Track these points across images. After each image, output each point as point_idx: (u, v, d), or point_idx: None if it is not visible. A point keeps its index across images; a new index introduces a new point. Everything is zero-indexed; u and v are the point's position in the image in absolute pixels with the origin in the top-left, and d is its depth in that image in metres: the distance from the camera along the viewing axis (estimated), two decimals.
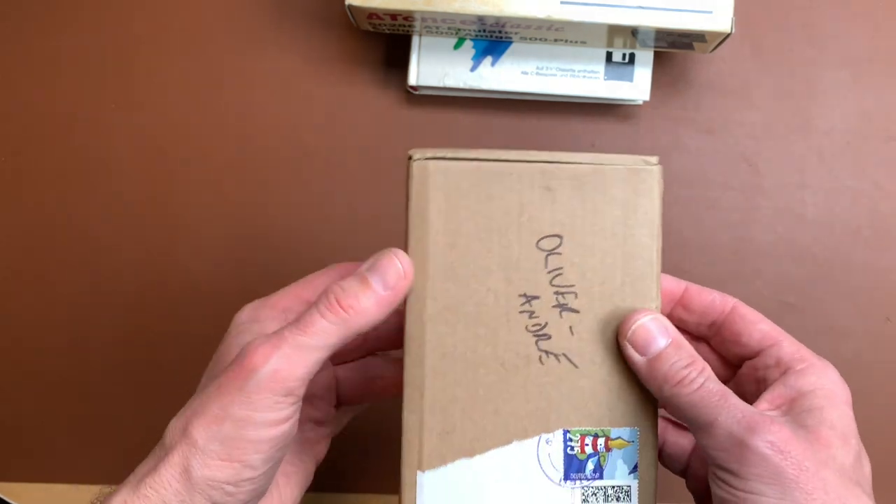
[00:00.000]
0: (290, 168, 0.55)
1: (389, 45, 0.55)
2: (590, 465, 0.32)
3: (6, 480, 0.53)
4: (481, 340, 0.32)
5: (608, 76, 0.52)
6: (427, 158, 0.32)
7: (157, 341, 0.54)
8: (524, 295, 0.32)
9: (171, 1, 0.56)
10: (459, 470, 0.32)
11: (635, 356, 0.31)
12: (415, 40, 0.52)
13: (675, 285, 0.36)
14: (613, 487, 0.32)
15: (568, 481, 0.32)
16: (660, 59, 0.54)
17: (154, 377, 0.54)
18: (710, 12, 0.47)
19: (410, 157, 0.32)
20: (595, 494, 0.32)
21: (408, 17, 0.48)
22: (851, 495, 0.30)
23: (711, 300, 0.35)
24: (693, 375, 0.30)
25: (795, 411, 0.32)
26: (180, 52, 0.55)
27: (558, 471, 0.32)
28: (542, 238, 0.32)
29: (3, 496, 0.53)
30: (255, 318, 0.35)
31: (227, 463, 0.29)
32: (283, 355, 0.29)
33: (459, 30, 0.50)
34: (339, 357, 0.38)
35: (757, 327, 0.35)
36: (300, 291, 0.36)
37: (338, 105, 0.55)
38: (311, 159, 0.55)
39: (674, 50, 0.52)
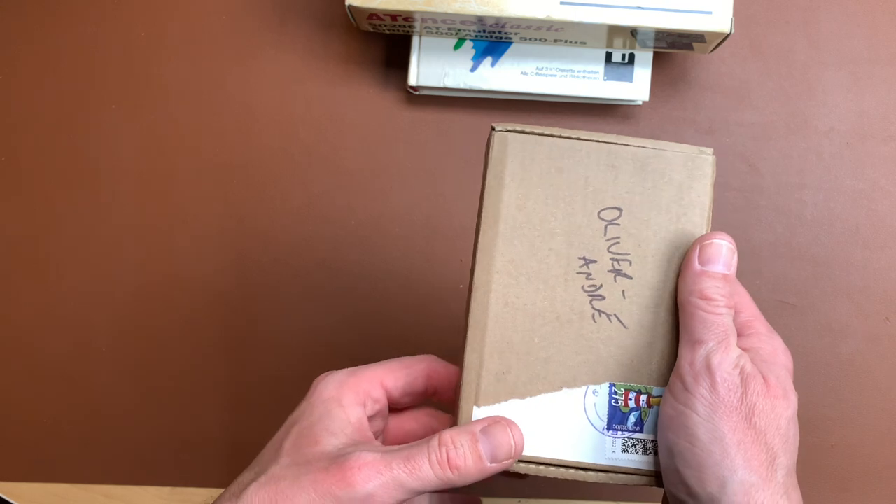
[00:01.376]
0: (291, 168, 0.55)
1: (389, 45, 0.55)
2: (631, 419, 0.34)
3: (6, 480, 0.53)
4: (540, 294, 0.35)
5: (608, 76, 0.52)
6: (507, 130, 0.35)
7: (158, 341, 0.54)
8: (583, 258, 0.35)
9: (171, 2, 0.56)
10: (511, 409, 0.34)
11: (695, 263, 0.34)
12: (415, 41, 0.52)
13: None
14: (652, 441, 0.34)
15: (610, 431, 0.34)
16: (659, 60, 0.54)
17: (154, 377, 0.54)
18: (710, 13, 0.47)
19: (493, 128, 0.36)
20: (634, 445, 0.34)
21: (408, 17, 0.48)
22: (759, 451, 0.32)
23: None
24: (721, 302, 0.33)
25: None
26: (181, 53, 0.55)
27: (602, 420, 0.34)
28: (604, 209, 0.35)
29: (3, 496, 0.53)
30: (339, 399, 0.36)
31: None
32: (382, 484, 0.31)
33: (459, 30, 0.50)
34: (396, 406, 0.39)
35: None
36: (383, 377, 0.37)
37: (338, 105, 0.55)
38: (311, 159, 0.55)
39: (673, 50, 0.52)
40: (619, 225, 0.35)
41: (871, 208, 0.54)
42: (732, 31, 0.47)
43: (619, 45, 0.51)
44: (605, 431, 0.34)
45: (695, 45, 0.50)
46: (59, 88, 0.55)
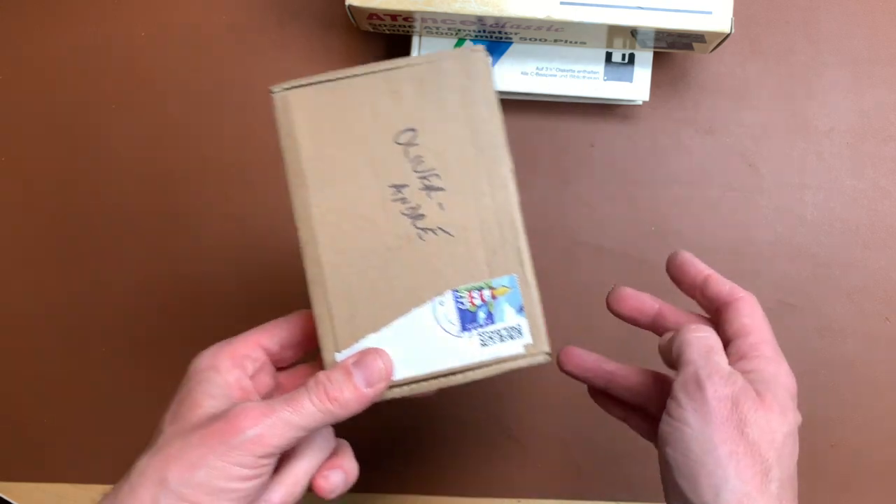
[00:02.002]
0: None
1: (389, 45, 0.55)
2: (481, 315, 0.36)
3: (6, 480, 0.53)
4: (365, 232, 0.36)
5: (608, 76, 0.52)
6: (285, 89, 0.36)
7: (158, 341, 0.54)
8: (394, 185, 0.36)
9: (171, 2, 0.56)
10: (370, 344, 0.36)
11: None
12: (415, 41, 0.52)
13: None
14: (506, 328, 0.36)
15: (465, 332, 0.35)
16: (659, 60, 0.54)
17: (154, 377, 0.54)
18: (710, 13, 0.47)
19: (271, 91, 0.36)
20: (491, 337, 0.36)
21: (408, 17, 0.48)
22: (753, 466, 0.33)
23: (720, 290, 0.40)
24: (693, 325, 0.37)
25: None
26: (181, 53, 0.55)
27: (455, 325, 0.36)
28: (398, 134, 0.36)
29: (3, 496, 0.53)
30: (215, 366, 0.37)
31: None
32: (270, 424, 0.33)
33: (459, 30, 0.50)
34: (281, 363, 0.41)
35: (739, 320, 0.39)
36: (258, 339, 0.39)
37: None
38: None
39: (673, 50, 0.52)
40: (417, 145, 0.36)
41: (871, 208, 0.54)
42: (732, 31, 0.47)
43: (619, 45, 0.51)
44: (461, 333, 0.35)
45: (695, 45, 0.50)
46: (60, 88, 0.55)
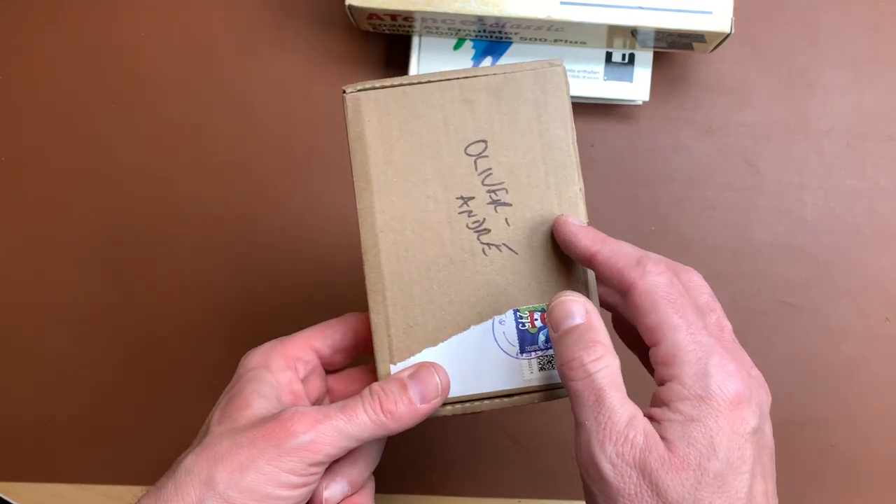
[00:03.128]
0: (291, 168, 0.55)
1: (389, 45, 0.55)
2: (541, 337, 0.35)
3: (6, 480, 0.53)
4: (428, 242, 0.35)
5: (608, 76, 0.52)
6: (358, 90, 0.36)
7: (158, 341, 0.54)
8: (461, 197, 0.35)
9: (171, 2, 0.56)
10: (427, 358, 0.35)
11: (550, 332, 0.32)
12: (415, 41, 0.52)
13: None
14: None
15: (524, 354, 0.35)
16: (659, 60, 0.54)
17: (154, 377, 0.54)
18: (710, 13, 0.47)
19: (344, 91, 0.36)
20: (550, 361, 0.35)
21: (408, 17, 0.48)
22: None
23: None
24: (591, 359, 0.30)
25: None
26: (181, 53, 0.55)
27: (514, 346, 0.35)
28: (469, 145, 0.35)
29: (3, 496, 0.53)
30: (266, 365, 0.36)
31: None
32: (323, 431, 0.32)
33: (459, 30, 0.50)
34: (331, 366, 0.40)
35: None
36: (310, 340, 0.38)
37: (338, 105, 0.55)
38: (311, 159, 0.55)
39: (673, 50, 0.52)
40: (487, 157, 0.35)
41: (871, 208, 0.54)
42: (732, 31, 0.47)
43: (619, 45, 0.51)
44: (520, 356, 0.35)
45: (695, 45, 0.50)
46: (59, 88, 0.55)
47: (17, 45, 0.56)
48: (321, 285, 0.54)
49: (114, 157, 0.55)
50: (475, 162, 0.35)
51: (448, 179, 0.35)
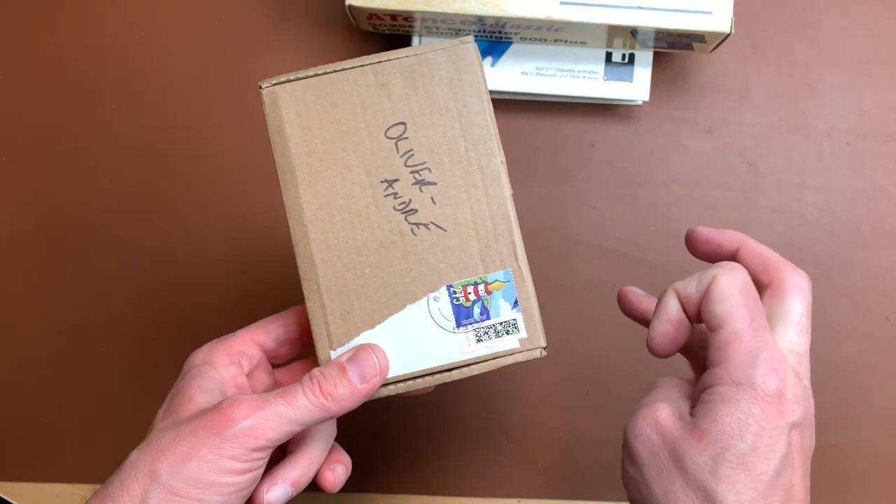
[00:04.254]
0: None
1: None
2: (476, 310, 0.35)
3: (6, 480, 0.53)
4: (357, 228, 0.36)
5: (608, 76, 0.52)
6: (273, 85, 0.36)
7: (158, 341, 0.54)
8: (385, 181, 0.36)
9: (171, 2, 0.56)
10: (365, 341, 0.35)
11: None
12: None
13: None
14: (501, 323, 0.35)
15: (461, 327, 0.35)
16: (659, 60, 0.54)
17: (154, 377, 0.54)
18: (710, 13, 0.47)
19: (260, 87, 0.36)
20: (487, 333, 0.35)
21: (408, 17, 0.48)
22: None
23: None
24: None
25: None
26: (181, 53, 0.55)
27: (450, 321, 0.35)
28: (388, 128, 0.36)
29: (3, 496, 0.53)
30: (210, 361, 0.37)
31: (186, 500, 0.31)
32: (263, 416, 0.32)
33: (459, 30, 0.50)
34: (277, 360, 0.40)
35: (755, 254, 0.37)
36: (254, 335, 0.39)
37: None
38: None
39: (673, 50, 0.52)
40: (407, 138, 0.36)
41: (871, 208, 0.54)
42: (732, 31, 0.47)
43: (619, 45, 0.51)
44: (456, 329, 0.35)
45: (695, 45, 0.50)
46: (60, 88, 0.55)
47: (17, 45, 0.56)
48: None
49: (114, 157, 0.55)
50: (396, 144, 0.36)
51: (371, 164, 0.36)
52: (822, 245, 0.54)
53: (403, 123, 0.36)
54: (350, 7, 0.47)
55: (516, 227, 0.36)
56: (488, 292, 0.36)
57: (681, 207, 0.54)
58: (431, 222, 0.36)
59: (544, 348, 0.35)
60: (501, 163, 0.36)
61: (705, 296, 0.32)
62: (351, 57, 0.56)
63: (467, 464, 0.53)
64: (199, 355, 0.37)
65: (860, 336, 0.54)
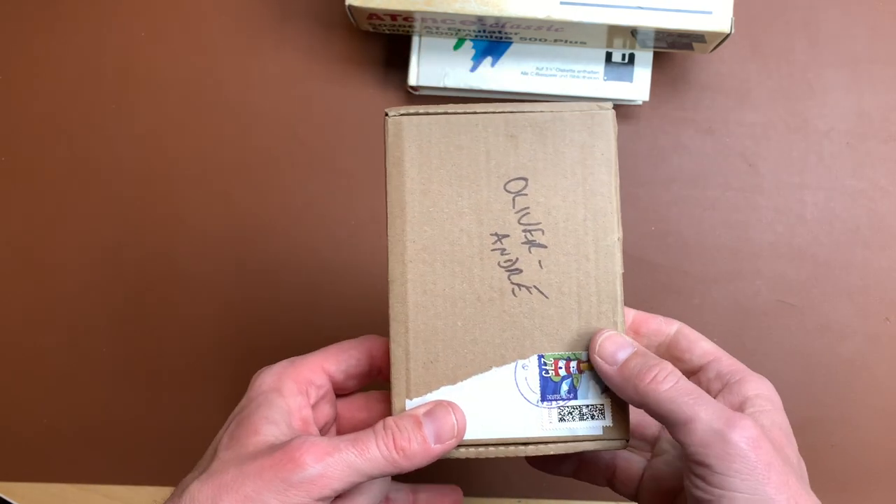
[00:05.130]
0: (290, 168, 0.55)
1: (389, 45, 0.55)
2: (564, 387, 0.34)
3: (6, 480, 0.53)
4: (457, 277, 0.34)
5: (608, 76, 0.52)
6: (401, 115, 0.35)
7: (158, 341, 0.54)
8: (495, 234, 0.34)
9: (171, 2, 0.56)
10: (444, 396, 0.34)
11: (605, 366, 0.33)
12: (415, 41, 0.52)
13: (625, 313, 0.37)
14: (588, 406, 0.34)
15: (545, 402, 0.34)
16: (659, 60, 0.54)
17: (154, 377, 0.54)
18: (710, 13, 0.47)
19: (386, 114, 0.35)
20: (571, 413, 0.34)
21: (408, 17, 0.48)
22: (805, 493, 0.31)
23: (657, 324, 0.37)
24: (663, 375, 0.32)
25: (748, 411, 0.33)
26: (181, 53, 0.55)
27: (535, 393, 0.34)
28: (509, 181, 0.34)
29: (3, 496, 0.53)
30: (279, 389, 0.35)
31: None
32: (332, 464, 0.31)
33: (459, 30, 0.50)
34: (342, 391, 0.39)
35: (698, 345, 0.36)
36: (324, 363, 0.37)
37: (338, 105, 0.55)
38: (311, 159, 0.55)
39: (673, 50, 0.52)
40: (526, 195, 0.34)
41: (871, 208, 0.54)
42: (732, 31, 0.47)
43: (619, 45, 0.51)
44: (540, 403, 0.34)
45: (695, 45, 0.50)
46: (59, 88, 0.55)
47: (17, 45, 0.56)
48: (321, 284, 0.54)
49: (114, 157, 0.55)
50: (513, 199, 0.34)
51: (484, 214, 0.34)
52: (822, 245, 0.54)
53: (525, 179, 0.34)
54: (350, 7, 0.47)
55: (622, 308, 0.34)
56: (580, 371, 0.34)
57: (681, 207, 0.54)
58: (535, 286, 0.34)
59: (627, 441, 0.34)
60: (618, 239, 0.34)
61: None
62: (351, 57, 0.56)
63: (467, 463, 0.53)
64: (268, 380, 0.36)
65: (860, 336, 0.54)
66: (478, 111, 0.35)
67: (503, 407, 0.34)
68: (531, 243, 0.34)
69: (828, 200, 0.54)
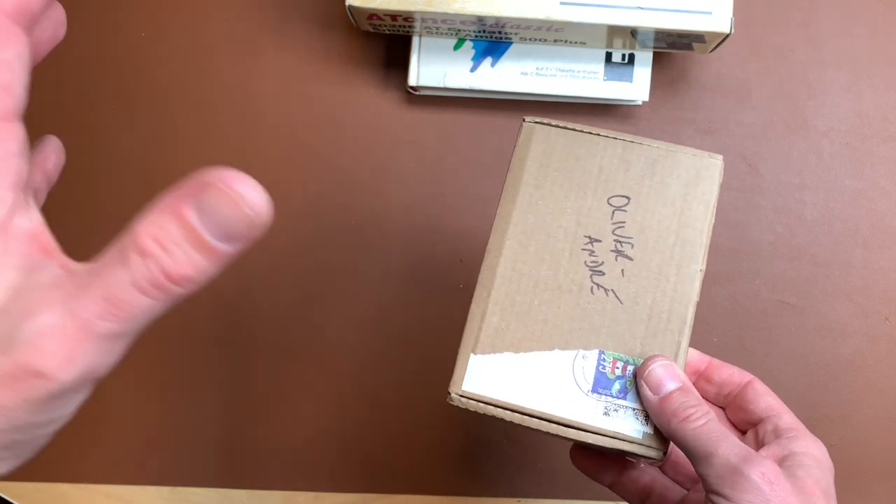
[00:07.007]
0: (290, 168, 0.55)
1: (389, 45, 0.55)
2: (616, 385, 0.36)
3: (6, 480, 0.53)
4: (545, 263, 0.37)
5: (608, 76, 0.52)
6: (535, 122, 0.39)
7: (157, 341, 0.54)
8: (589, 237, 0.37)
9: (171, 2, 0.56)
10: (504, 361, 0.36)
11: (648, 393, 0.34)
12: (415, 41, 0.52)
13: (699, 359, 0.41)
14: (633, 409, 0.35)
15: (594, 393, 0.35)
16: (659, 60, 0.54)
17: (154, 377, 0.54)
18: (710, 13, 0.47)
19: (524, 120, 0.39)
20: (616, 410, 0.35)
21: (408, 17, 0.48)
22: None
23: (730, 374, 0.40)
24: (698, 414, 0.34)
25: (787, 464, 0.34)
26: (181, 53, 0.55)
27: (588, 382, 0.36)
28: (613, 196, 0.38)
29: (3, 496, 0.53)
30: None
31: None
32: (78, 366, 0.22)
33: (459, 31, 0.50)
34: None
35: (764, 399, 0.38)
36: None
37: (338, 105, 0.55)
38: (311, 159, 0.55)
39: (673, 50, 0.52)
40: (625, 211, 0.37)
41: (871, 208, 0.54)
42: (732, 31, 0.47)
43: (619, 45, 0.51)
44: (590, 393, 0.35)
45: (695, 45, 0.50)
46: (60, 88, 0.55)
47: None
48: (320, 285, 0.54)
49: (114, 157, 0.55)
50: (613, 212, 0.37)
51: (584, 217, 0.37)
52: (822, 245, 0.54)
53: (628, 198, 0.37)
54: (350, 7, 0.47)
55: (688, 331, 0.36)
56: (635, 375, 0.36)
57: None
58: (613, 290, 0.37)
59: (664, 453, 0.35)
60: (700, 270, 0.37)
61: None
62: (351, 57, 0.56)
63: (467, 463, 0.53)
64: None
65: (860, 336, 0.54)
66: (601, 133, 0.38)
67: (555, 387, 0.35)
68: (619, 252, 0.37)
69: (827, 201, 0.54)
